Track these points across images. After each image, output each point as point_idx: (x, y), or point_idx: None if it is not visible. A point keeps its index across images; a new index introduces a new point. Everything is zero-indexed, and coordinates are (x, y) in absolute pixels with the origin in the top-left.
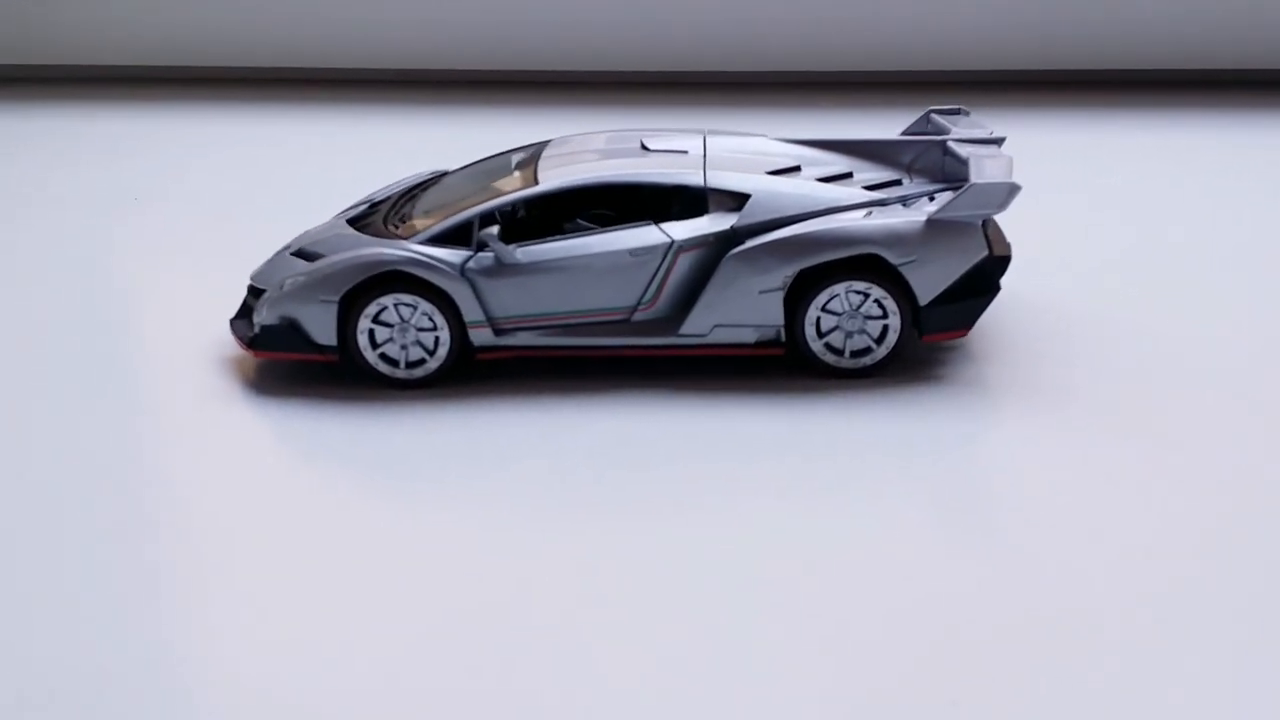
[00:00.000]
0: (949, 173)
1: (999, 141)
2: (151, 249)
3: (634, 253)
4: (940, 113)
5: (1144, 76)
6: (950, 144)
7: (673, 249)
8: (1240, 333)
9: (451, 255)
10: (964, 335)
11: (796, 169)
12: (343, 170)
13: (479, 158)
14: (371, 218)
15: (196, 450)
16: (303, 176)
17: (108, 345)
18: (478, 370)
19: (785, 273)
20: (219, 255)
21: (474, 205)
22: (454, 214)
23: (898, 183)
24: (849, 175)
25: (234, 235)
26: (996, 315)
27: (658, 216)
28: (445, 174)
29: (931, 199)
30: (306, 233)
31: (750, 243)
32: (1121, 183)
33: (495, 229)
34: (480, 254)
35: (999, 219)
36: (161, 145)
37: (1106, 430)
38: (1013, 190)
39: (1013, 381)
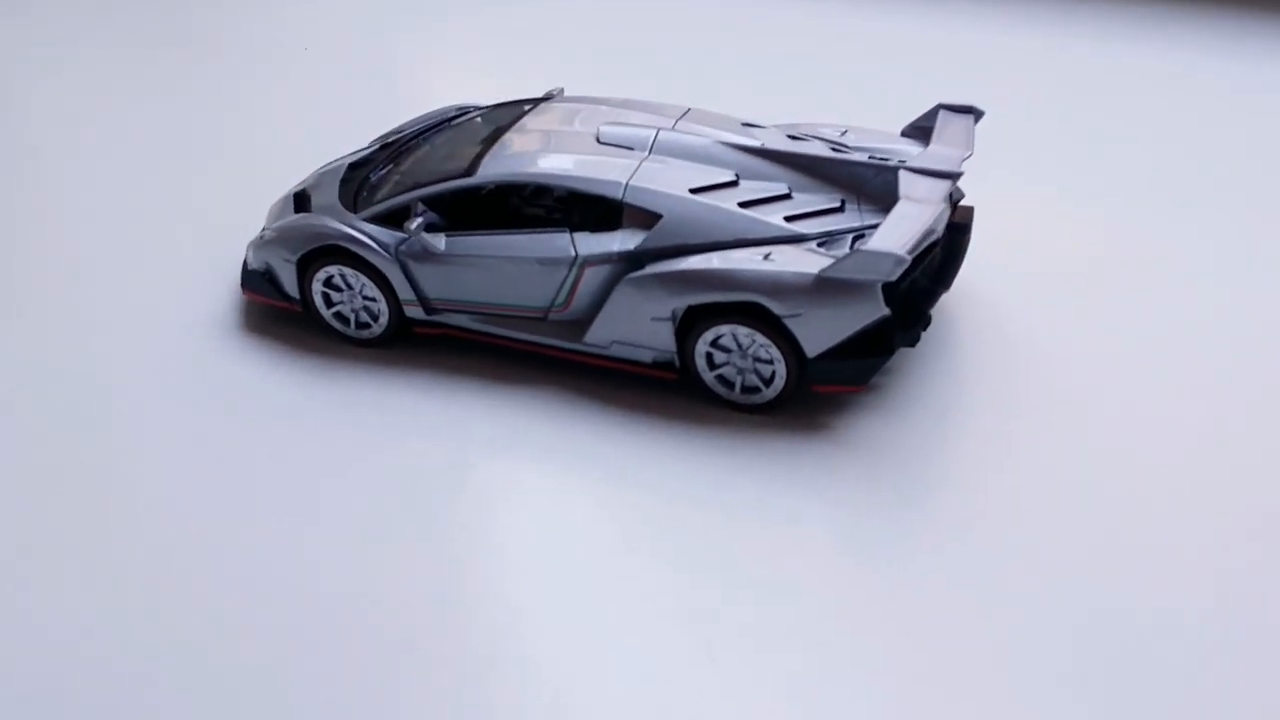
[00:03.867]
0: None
1: (956, 176)
2: (284, 118)
3: (541, 262)
4: (951, 109)
5: None
6: (903, 174)
7: (577, 263)
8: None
9: (386, 236)
10: (858, 390)
11: (733, 183)
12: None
13: (502, 101)
14: (359, 171)
15: (164, 376)
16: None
17: (158, 234)
18: (438, 341)
19: (673, 305)
20: (360, 131)
21: (416, 188)
22: (400, 193)
23: (840, 209)
24: (787, 196)
25: (398, 107)
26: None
27: (579, 222)
28: (466, 111)
29: (861, 236)
30: (323, 166)
31: (647, 269)
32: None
33: (419, 221)
34: (412, 238)
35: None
36: None
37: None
38: (899, 263)
39: (908, 433)
